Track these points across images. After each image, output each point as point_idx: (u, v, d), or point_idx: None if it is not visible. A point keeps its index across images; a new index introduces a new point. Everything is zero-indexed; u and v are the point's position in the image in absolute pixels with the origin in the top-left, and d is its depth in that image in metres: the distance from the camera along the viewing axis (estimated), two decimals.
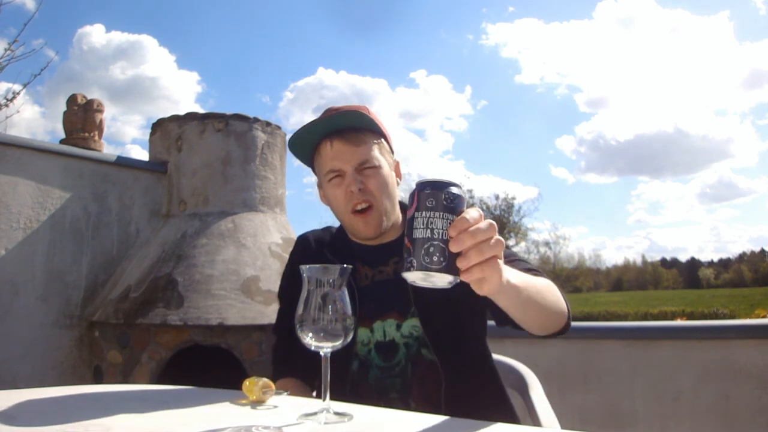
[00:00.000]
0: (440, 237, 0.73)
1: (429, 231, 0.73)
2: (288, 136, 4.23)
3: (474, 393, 1.14)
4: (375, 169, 1.18)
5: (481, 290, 0.77)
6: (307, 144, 1.21)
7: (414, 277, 0.75)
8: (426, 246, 0.73)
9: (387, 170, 1.21)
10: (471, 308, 1.16)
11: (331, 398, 1.05)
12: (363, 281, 1.22)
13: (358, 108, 1.20)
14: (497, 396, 1.20)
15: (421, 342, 1.15)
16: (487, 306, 1.10)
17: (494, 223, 0.75)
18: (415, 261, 0.73)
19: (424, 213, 0.74)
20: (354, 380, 1.16)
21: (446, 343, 1.14)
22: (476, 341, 1.21)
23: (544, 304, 0.98)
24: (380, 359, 1.16)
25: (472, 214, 0.74)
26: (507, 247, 1.10)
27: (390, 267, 1.22)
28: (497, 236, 0.75)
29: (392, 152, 1.26)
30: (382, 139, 1.23)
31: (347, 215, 1.19)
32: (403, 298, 1.17)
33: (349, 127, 1.18)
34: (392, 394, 1.14)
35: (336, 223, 1.32)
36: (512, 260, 1.05)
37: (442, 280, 0.75)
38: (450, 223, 0.73)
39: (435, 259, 0.73)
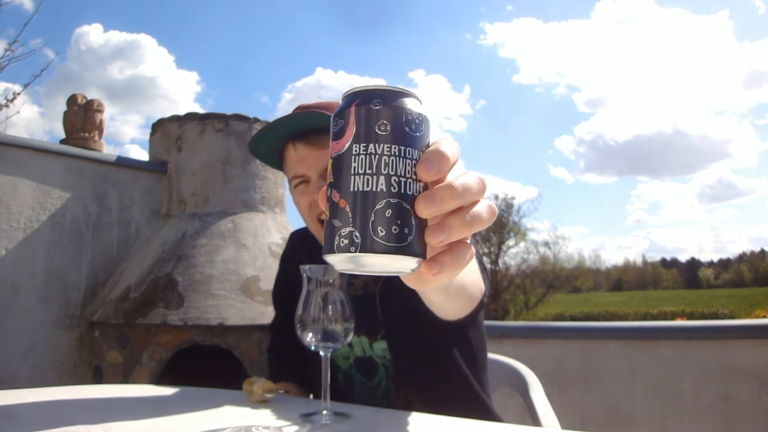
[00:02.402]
0: (404, 191, 0.42)
1: (383, 180, 0.41)
2: None
3: (457, 411, 1.09)
4: None
5: (421, 284, 0.48)
6: (271, 148, 1.11)
7: (347, 264, 0.43)
8: (381, 208, 0.41)
9: None
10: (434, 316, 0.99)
11: None
12: None
13: (327, 104, 1.07)
14: (480, 410, 1.11)
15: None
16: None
17: (483, 177, 0.46)
18: (359, 237, 0.41)
19: (370, 147, 0.42)
20: (340, 393, 1.14)
21: (416, 364, 1.06)
22: (449, 354, 1.07)
23: (468, 289, 0.82)
24: (361, 376, 1.13)
25: (449, 148, 0.44)
26: None
27: (360, 280, 1.15)
28: (488, 201, 0.46)
29: None
30: None
31: (312, 224, 1.10)
32: (372, 317, 1.09)
33: (314, 128, 1.05)
34: None
35: None
36: None
37: (400, 266, 0.43)
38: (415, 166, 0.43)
39: (394, 231, 0.41)
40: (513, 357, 1.44)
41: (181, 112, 3.92)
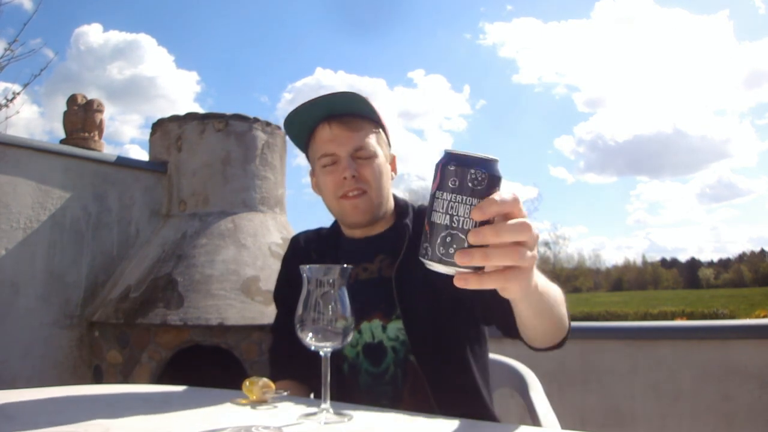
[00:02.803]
0: (460, 226, 0.61)
1: (448, 217, 0.62)
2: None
3: (459, 402, 1.11)
4: (371, 158, 1.14)
5: (504, 293, 0.67)
6: (305, 125, 1.17)
7: (432, 267, 0.65)
8: (443, 235, 0.62)
9: (383, 160, 1.17)
10: (460, 311, 1.11)
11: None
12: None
13: (359, 92, 1.15)
14: (482, 407, 1.15)
15: (409, 348, 1.12)
16: (483, 308, 1.06)
17: (529, 222, 0.62)
18: (430, 250, 0.63)
19: (445, 194, 0.62)
20: (344, 385, 1.14)
21: (430, 347, 1.10)
22: (463, 347, 1.14)
23: (556, 316, 0.90)
24: (368, 363, 1.14)
25: (503, 197, 0.61)
26: None
27: (375, 265, 1.18)
28: (532, 244, 0.62)
29: (389, 145, 1.22)
30: (381, 130, 1.19)
31: (336, 200, 1.15)
32: (387, 299, 1.13)
33: (348, 112, 1.14)
34: (383, 401, 1.12)
35: (327, 220, 1.29)
36: None
37: (446, 270, 0.65)
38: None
39: (452, 251, 0.62)
40: (513, 357, 1.43)
41: (181, 111, 3.93)
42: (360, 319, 1.15)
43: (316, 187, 1.22)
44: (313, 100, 1.12)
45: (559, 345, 1.00)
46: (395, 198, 1.26)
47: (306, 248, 1.28)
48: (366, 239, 1.21)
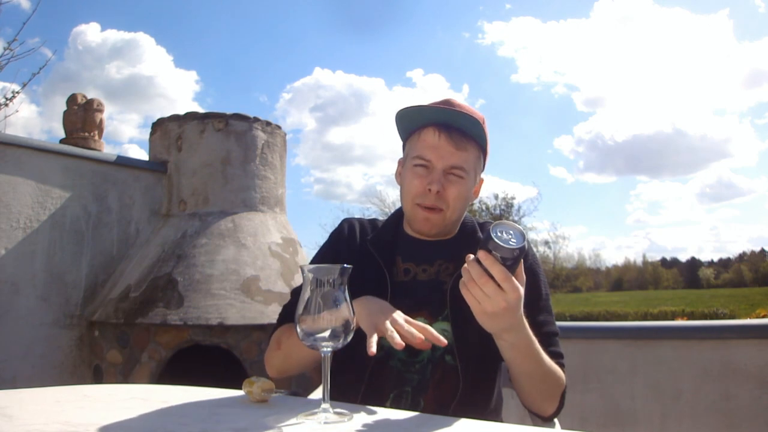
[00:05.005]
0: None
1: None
2: (288, 136, 4.15)
3: (484, 406, 1.15)
4: (460, 179, 1.15)
5: (478, 317, 0.91)
6: (416, 121, 1.19)
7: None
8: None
9: (471, 184, 1.19)
10: None
11: (352, 374, 1.06)
12: (400, 276, 1.20)
13: (475, 112, 1.18)
14: (497, 412, 1.21)
15: (448, 348, 1.13)
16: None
17: (507, 283, 0.87)
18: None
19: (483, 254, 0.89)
20: (377, 362, 1.15)
21: (472, 352, 1.13)
22: (497, 356, 1.17)
23: (543, 387, 1.07)
24: (404, 353, 1.15)
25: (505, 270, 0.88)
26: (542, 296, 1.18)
27: (434, 268, 1.20)
28: (501, 297, 0.88)
29: (483, 171, 1.24)
30: (481, 155, 1.21)
31: (411, 203, 1.18)
32: (438, 300, 1.16)
33: (461, 127, 1.15)
34: (407, 387, 1.14)
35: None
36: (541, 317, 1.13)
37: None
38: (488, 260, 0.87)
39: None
40: None
41: (180, 111, 3.92)
42: (407, 314, 1.15)
43: (399, 176, 1.24)
44: (434, 104, 1.16)
45: (545, 418, 1.11)
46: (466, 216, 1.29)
47: (361, 237, 1.27)
48: (427, 242, 1.23)
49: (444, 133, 1.14)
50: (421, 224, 1.18)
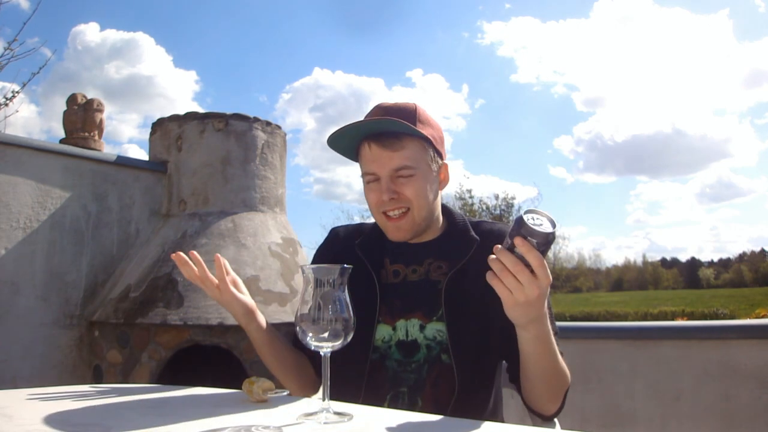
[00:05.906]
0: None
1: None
2: (288, 136, 4.16)
3: (483, 405, 1.15)
4: (411, 176, 1.15)
5: (507, 309, 0.90)
6: (348, 144, 1.21)
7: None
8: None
9: (427, 174, 1.18)
10: (499, 323, 1.13)
11: (349, 378, 1.06)
12: (389, 278, 1.21)
13: (405, 105, 1.18)
14: (496, 412, 1.21)
15: (443, 347, 1.14)
16: (504, 338, 1.10)
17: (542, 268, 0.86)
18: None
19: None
20: (372, 366, 1.17)
21: (467, 351, 1.13)
22: (495, 355, 1.19)
23: (552, 383, 1.05)
24: (400, 354, 1.17)
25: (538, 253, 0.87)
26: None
27: (424, 267, 1.21)
28: (533, 281, 0.86)
29: (440, 154, 1.21)
30: (426, 143, 1.18)
31: (379, 214, 1.19)
32: (431, 300, 1.16)
33: (388, 129, 1.15)
34: (403, 387, 1.14)
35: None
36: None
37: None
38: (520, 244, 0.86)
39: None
40: None
41: (180, 111, 3.92)
42: (399, 316, 1.18)
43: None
44: (350, 125, 1.16)
45: (547, 418, 1.11)
46: (447, 208, 1.28)
47: (348, 243, 1.28)
48: (414, 244, 1.23)
49: (374, 143, 1.15)
50: (393, 234, 1.19)
